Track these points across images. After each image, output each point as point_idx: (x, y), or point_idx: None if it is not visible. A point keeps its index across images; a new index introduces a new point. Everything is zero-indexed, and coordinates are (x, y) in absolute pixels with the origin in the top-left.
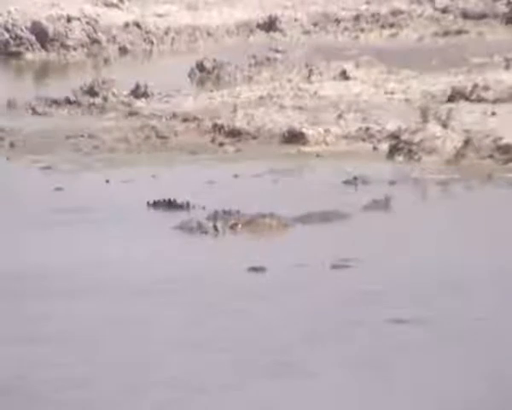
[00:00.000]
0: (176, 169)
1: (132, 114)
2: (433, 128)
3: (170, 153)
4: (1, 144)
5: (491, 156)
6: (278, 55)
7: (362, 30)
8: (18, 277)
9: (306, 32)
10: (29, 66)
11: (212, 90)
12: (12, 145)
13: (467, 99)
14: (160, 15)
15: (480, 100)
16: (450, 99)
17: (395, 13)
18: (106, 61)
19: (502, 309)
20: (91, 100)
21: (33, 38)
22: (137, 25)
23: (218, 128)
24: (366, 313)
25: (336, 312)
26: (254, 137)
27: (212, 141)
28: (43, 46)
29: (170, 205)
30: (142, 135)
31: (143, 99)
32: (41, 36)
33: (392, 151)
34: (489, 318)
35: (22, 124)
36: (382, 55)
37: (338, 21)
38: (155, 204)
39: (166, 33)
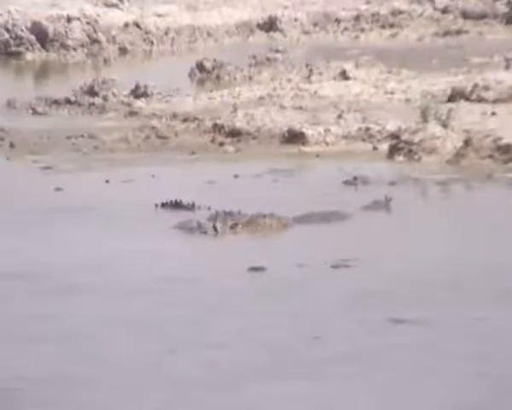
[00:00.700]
0: (176, 169)
1: (132, 114)
2: (433, 128)
3: (170, 153)
4: (1, 144)
5: (491, 156)
6: (278, 55)
7: (362, 30)
8: (18, 276)
9: (306, 32)
10: (29, 66)
11: (212, 90)
12: (12, 145)
13: (467, 99)
14: (159, 15)
15: (480, 100)
16: (451, 99)
17: (395, 13)
18: (106, 61)
19: (502, 309)
20: (91, 100)
21: (33, 38)
22: (137, 25)
23: (218, 128)
24: (366, 312)
25: (336, 311)
26: (254, 137)
27: (212, 141)
28: (43, 46)
29: (175, 206)
30: (142, 135)
31: (143, 99)
32: (41, 36)
33: (392, 151)
34: (489, 317)
35: (22, 124)
36: (382, 55)
37: (338, 21)
38: (161, 205)
39: (166, 33)
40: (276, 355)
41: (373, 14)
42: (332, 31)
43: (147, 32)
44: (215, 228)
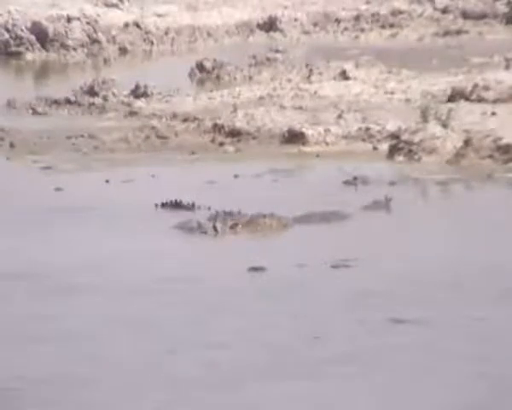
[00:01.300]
0: (176, 169)
1: (132, 114)
2: (433, 128)
3: (170, 153)
4: (1, 144)
5: (491, 156)
6: (278, 55)
7: (362, 30)
8: (18, 276)
9: (306, 32)
10: (29, 66)
11: (212, 90)
12: (12, 145)
13: (467, 99)
14: (159, 15)
15: (480, 100)
16: (451, 99)
17: (395, 13)
18: (106, 61)
19: (502, 309)
20: (91, 100)
21: (33, 38)
22: (137, 25)
23: (218, 128)
24: (366, 312)
25: (336, 311)
26: (254, 137)
27: (212, 141)
28: (43, 46)
29: (175, 206)
30: (142, 135)
31: (143, 99)
32: (41, 36)
33: (392, 151)
34: (489, 317)
35: (22, 124)
36: (382, 55)
37: (338, 21)
38: (161, 205)
39: (166, 33)
40: (276, 355)
41: (373, 14)
42: (332, 31)
43: (147, 32)
44: (215, 228)
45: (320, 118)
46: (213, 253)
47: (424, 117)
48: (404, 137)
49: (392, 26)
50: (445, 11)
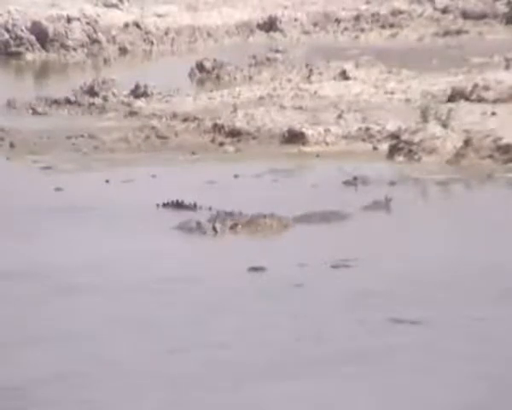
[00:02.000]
0: (176, 169)
1: (132, 114)
2: (433, 128)
3: (170, 153)
4: (1, 144)
5: (491, 156)
6: (278, 55)
7: (362, 30)
8: (18, 276)
9: (306, 32)
10: (29, 66)
11: (212, 90)
12: (12, 145)
13: (467, 99)
14: (159, 16)
15: (480, 100)
16: (451, 99)
17: (395, 13)
18: (106, 61)
19: (502, 309)
20: (91, 100)
21: (33, 38)
22: (137, 25)
23: (218, 128)
24: (366, 312)
25: (336, 311)
26: (254, 137)
27: (212, 141)
28: (43, 46)
29: (175, 206)
30: (142, 135)
31: (143, 99)
32: (41, 36)
33: (392, 151)
34: (489, 317)
35: (22, 124)
36: (382, 55)
37: (338, 21)
38: (162, 205)
39: (166, 34)
40: (276, 355)
41: (373, 14)
42: (332, 31)
43: (147, 32)
44: (215, 228)
45: (320, 118)
46: (213, 253)
47: (424, 117)
48: (404, 137)
49: (392, 26)
50: (445, 11)
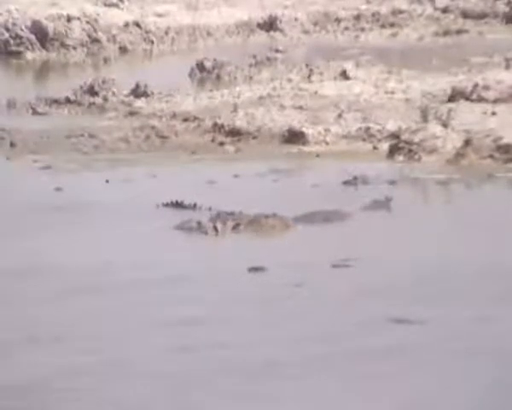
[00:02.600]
0: (176, 169)
1: (132, 113)
2: (433, 128)
3: (170, 153)
4: (1, 144)
5: (491, 156)
6: (278, 55)
7: (362, 30)
8: (17, 276)
9: (306, 32)
10: (29, 65)
11: (212, 90)
12: (12, 145)
13: (467, 99)
14: (159, 15)
15: (480, 100)
16: (451, 99)
17: (395, 12)
18: (106, 60)
19: (502, 309)
20: (91, 100)
21: (33, 37)
22: (137, 24)
23: (218, 128)
24: (366, 312)
25: (336, 311)
26: (254, 137)
27: (213, 141)
28: (43, 46)
29: (175, 206)
30: (142, 135)
31: (143, 99)
32: (41, 35)
33: (392, 151)
34: (489, 317)
35: (22, 124)
36: (382, 54)
37: (338, 21)
38: (162, 205)
39: (166, 33)
40: (276, 355)
41: (373, 14)
42: (332, 30)
43: (147, 32)
44: (215, 228)
45: (320, 118)
46: (214, 253)
47: (424, 117)
48: (404, 136)
49: (392, 25)
50: (445, 11)
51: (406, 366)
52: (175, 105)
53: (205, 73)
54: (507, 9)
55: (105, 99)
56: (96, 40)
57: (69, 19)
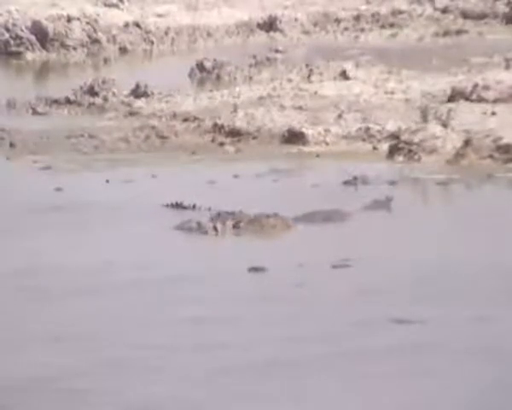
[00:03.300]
0: (176, 169)
1: (132, 114)
2: (433, 128)
3: (170, 153)
4: (1, 144)
5: (491, 156)
6: (278, 55)
7: (362, 30)
8: (17, 276)
9: (306, 32)
10: (29, 66)
11: (212, 90)
12: (12, 145)
13: (467, 99)
14: (159, 15)
15: (480, 100)
16: (451, 99)
17: (395, 13)
18: (106, 60)
19: (502, 309)
20: (91, 100)
21: (33, 37)
22: (137, 25)
23: (218, 128)
24: (366, 312)
25: (336, 311)
26: (254, 137)
27: (213, 141)
28: (44, 46)
29: (175, 206)
30: (142, 135)
31: (143, 99)
32: (41, 36)
33: (392, 151)
34: (489, 317)
35: (22, 124)
36: (382, 55)
37: (338, 21)
38: (162, 205)
39: (166, 33)
40: (276, 355)
41: (373, 14)
42: (332, 31)
43: (147, 32)
44: (215, 228)
45: (320, 118)
46: (214, 253)
47: (424, 117)
48: (404, 137)
49: (392, 25)
50: (445, 11)
51: (406, 366)
52: (175, 105)
53: (205, 74)
54: (507, 10)
55: (105, 99)
56: (96, 40)
57: (69, 19)
